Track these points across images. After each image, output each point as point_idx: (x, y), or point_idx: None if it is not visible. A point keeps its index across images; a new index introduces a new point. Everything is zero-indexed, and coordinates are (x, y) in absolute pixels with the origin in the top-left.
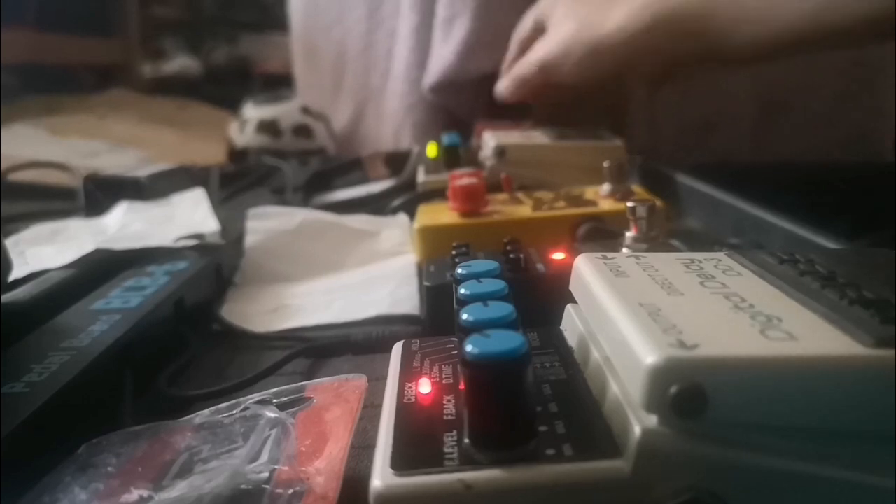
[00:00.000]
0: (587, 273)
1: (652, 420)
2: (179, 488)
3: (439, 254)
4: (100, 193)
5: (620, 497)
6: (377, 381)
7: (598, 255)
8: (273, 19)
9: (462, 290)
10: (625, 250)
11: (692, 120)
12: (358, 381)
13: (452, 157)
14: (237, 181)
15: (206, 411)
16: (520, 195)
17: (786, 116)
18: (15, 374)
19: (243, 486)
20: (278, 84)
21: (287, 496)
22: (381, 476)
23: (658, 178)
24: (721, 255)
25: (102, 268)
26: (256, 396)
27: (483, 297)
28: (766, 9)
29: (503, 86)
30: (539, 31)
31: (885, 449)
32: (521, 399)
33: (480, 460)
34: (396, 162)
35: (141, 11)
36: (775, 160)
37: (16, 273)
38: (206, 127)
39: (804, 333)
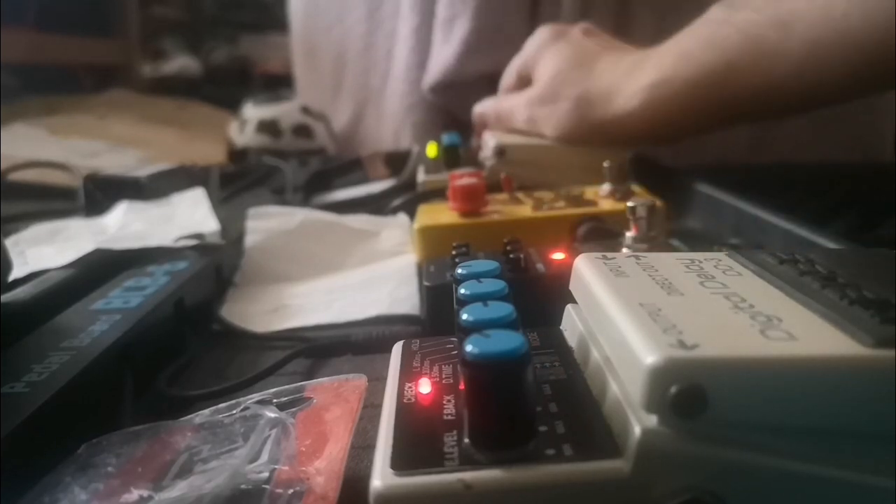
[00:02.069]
0: (587, 273)
1: (652, 420)
2: (179, 488)
3: (439, 254)
4: (100, 193)
5: (620, 497)
6: (377, 381)
7: (598, 255)
8: (273, 19)
9: (462, 290)
10: (625, 250)
11: None
12: (358, 381)
13: (452, 157)
14: (237, 181)
15: (206, 411)
16: (520, 195)
17: None
18: (15, 374)
19: (243, 486)
20: (278, 84)
21: (287, 496)
22: (381, 476)
23: (658, 178)
24: (721, 255)
25: (102, 268)
26: (256, 396)
27: (483, 297)
28: (796, 59)
29: (479, 111)
30: (524, 80)
31: (885, 449)
32: (521, 399)
33: (480, 460)
34: (396, 162)
35: (141, 11)
36: (775, 160)
37: (16, 273)
38: (206, 127)
39: (804, 333)
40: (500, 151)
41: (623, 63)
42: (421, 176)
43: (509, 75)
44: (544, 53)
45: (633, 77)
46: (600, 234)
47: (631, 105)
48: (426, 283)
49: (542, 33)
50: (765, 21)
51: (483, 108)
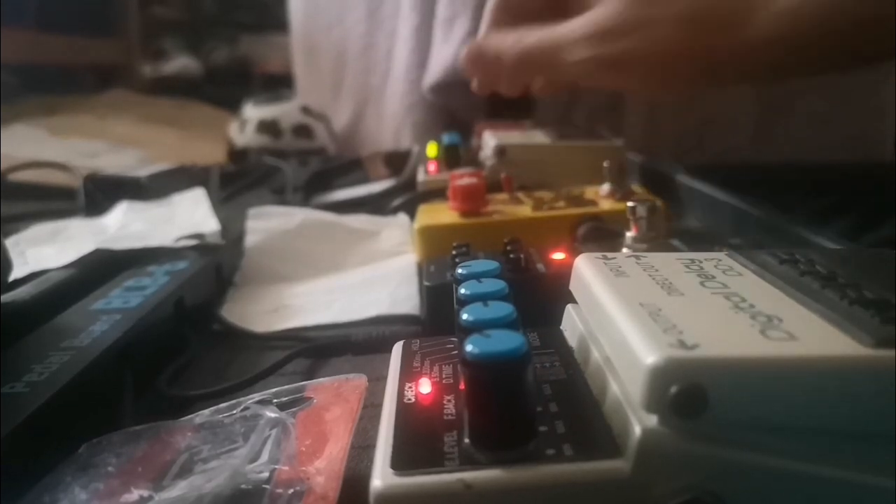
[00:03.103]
0: (587, 273)
1: (652, 420)
2: (179, 488)
3: (439, 254)
4: (100, 193)
5: (620, 497)
6: (377, 381)
7: (598, 255)
8: (273, 19)
9: (462, 290)
10: (625, 250)
11: (692, 120)
12: (358, 381)
13: (452, 157)
14: (237, 181)
15: (206, 411)
16: (520, 195)
17: (786, 116)
18: (15, 373)
19: (243, 486)
20: (278, 84)
21: (287, 496)
22: (381, 476)
23: (658, 178)
24: (721, 255)
25: (102, 268)
26: (256, 396)
27: (483, 297)
28: None
29: (475, 51)
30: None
31: (885, 449)
32: (522, 399)
33: (480, 460)
34: (396, 162)
35: (141, 11)
36: (775, 160)
37: (16, 273)
38: (206, 127)
39: (804, 333)
40: (500, 151)
41: None
42: (421, 176)
43: None
44: None
45: None
46: (600, 234)
47: (776, 26)
48: (426, 283)
49: None
50: None
51: (482, 46)
